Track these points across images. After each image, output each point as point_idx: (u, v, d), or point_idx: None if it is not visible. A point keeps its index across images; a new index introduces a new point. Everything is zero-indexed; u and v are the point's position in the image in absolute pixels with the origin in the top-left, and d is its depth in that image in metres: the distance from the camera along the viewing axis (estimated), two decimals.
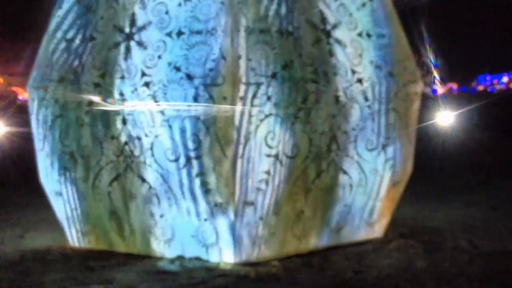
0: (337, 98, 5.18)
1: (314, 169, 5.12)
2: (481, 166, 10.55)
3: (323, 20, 5.21)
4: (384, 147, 5.47)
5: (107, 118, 5.13)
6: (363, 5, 5.43)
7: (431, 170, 9.68)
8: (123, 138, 5.07)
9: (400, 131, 5.57)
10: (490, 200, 7.55)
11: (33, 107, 5.53)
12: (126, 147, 5.07)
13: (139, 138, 5.01)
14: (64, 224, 5.60)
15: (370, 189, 5.46)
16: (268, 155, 4.89)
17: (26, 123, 5.80)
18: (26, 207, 7.33)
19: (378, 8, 5.49)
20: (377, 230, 5.68)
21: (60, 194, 5.47)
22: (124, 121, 5.07)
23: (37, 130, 5.51)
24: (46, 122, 5.43)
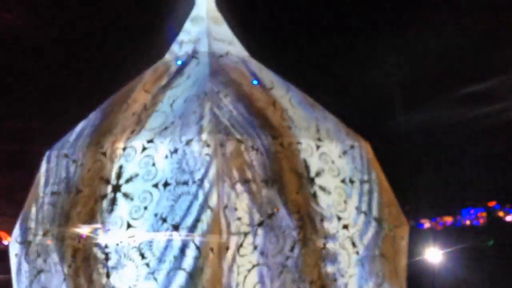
0: (324, 245, 5.15)
1: None
2: None
3: (307, 168, 5.32)
4: None
5: (90, 272, 5.01)
6: (344, 153, 5.58)
7: None
8: None
9: (390, 277, 5.48)
10: None
11: (15, 262, 5.41)
12: None
13: None
14: None
15: None
16: None
17: (7, 271, 5.61)
18: None
19: (358, 155, 5.65)
20: None
21: None
22: (108, 275, 4.95)
23: (18, 287, 5.34)
24: (27, 278, 5.28)
